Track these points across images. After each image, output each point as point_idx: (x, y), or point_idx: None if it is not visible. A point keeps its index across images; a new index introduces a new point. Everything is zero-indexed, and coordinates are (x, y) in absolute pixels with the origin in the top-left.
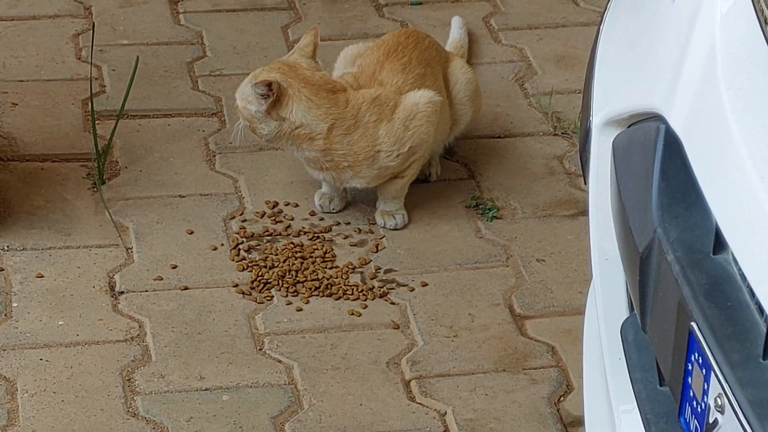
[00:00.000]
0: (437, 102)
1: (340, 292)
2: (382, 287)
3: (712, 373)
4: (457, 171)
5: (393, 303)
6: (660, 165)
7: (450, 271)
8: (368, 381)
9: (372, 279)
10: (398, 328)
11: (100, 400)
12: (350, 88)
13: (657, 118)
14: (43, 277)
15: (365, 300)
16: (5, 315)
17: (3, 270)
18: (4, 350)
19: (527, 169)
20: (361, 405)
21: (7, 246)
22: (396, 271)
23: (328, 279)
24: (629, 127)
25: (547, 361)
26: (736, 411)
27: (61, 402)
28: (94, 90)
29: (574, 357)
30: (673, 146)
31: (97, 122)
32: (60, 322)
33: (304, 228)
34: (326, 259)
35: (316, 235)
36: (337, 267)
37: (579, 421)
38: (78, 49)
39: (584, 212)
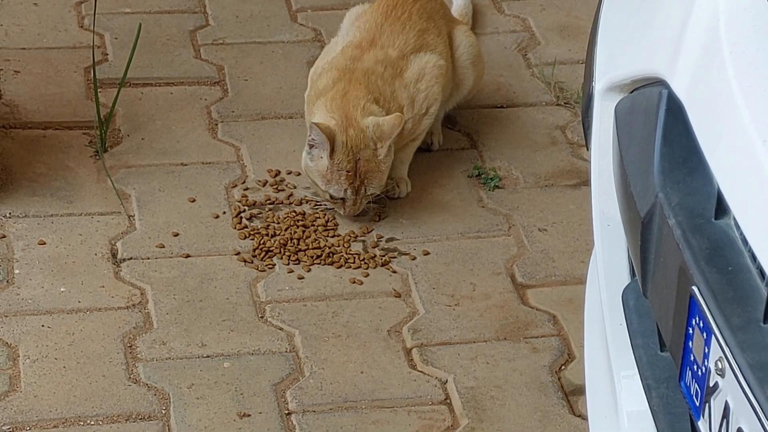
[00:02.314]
0: (442, 65)
1: (342, 260)
2: (383, 256)
3: (713, 336)
4: (459, 140)
5: (394, 272)
6: (662, 130)
7: (452, 240)
8: (369, 349)
9: (374, 247)
10: (400, 296)
11: (101, 366)
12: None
13: (659, 83)
14: (45, 244)
15: (367, 268)
16: (7, 282)
17: (5, 237)
18: (6, 317)
19: (529, 138)
20: (362, 373)
21: (9, 213)
22: (398, 239)
23: (329, 247)
24: (632, 92)
25: (548, 330)
26: (737, 374)
27: (63, 368)
28: (97, 58)
29: (575, 326)
30: (675, 111)
31: (99, 90)
32: (62, 289)
33: (306, 196)
34: (328, 228)
35: (318, 203)
36: (338, 235)
37: (580, 390)
38: (80, 17)
39: (586, 182)
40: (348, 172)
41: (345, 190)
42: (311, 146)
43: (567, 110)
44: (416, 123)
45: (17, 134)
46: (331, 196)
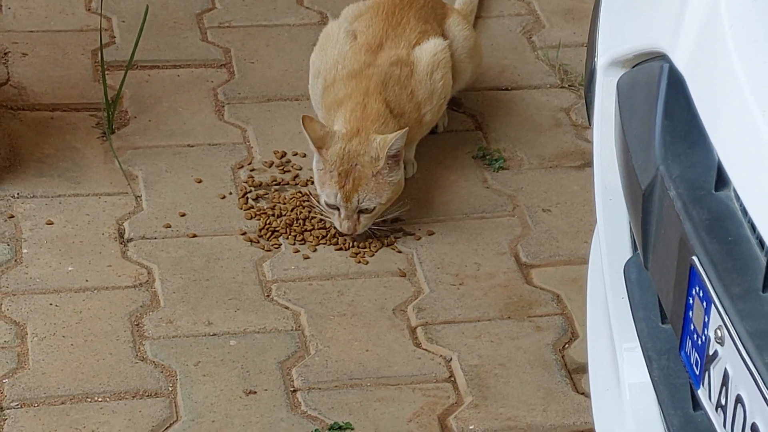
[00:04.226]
0: (447, 46)
1: (348, 240)
2: (388, 236)
3: (713, 305)
4: (464, 122)
5: (399, 251)
6: (663, 103)
7: (456, 220)
8: (374, 327)
9: (379, 227)
10: (404, 275)
11: (109, 344)
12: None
13: (661, 57)
14: (52, 224)
15: (372, 249)
16: (15, 261)
17: (13, 217)
18: (15, 295)
19: (534, 120)
20: (367, 351)
21: (18, 193)
22: (403, 220)
23: (335, 227)
24: (633, 67)
25: (551, 309)
26: (736, 342)
27: (71, 346)
28: (104, 41)
29: (578, 305)
30: (676, 85)
31: (106, 72)
32: (69, 268)
33: (312, 178)
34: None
35: (321, 213)
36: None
37: (583, 368)
38: (88, 1)
39: (590, 163)
40: (340, 174)
41: (336, 195)
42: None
43: (571, 92)
44: (435, 114)
45: (25, 116)
46: (326, 203)
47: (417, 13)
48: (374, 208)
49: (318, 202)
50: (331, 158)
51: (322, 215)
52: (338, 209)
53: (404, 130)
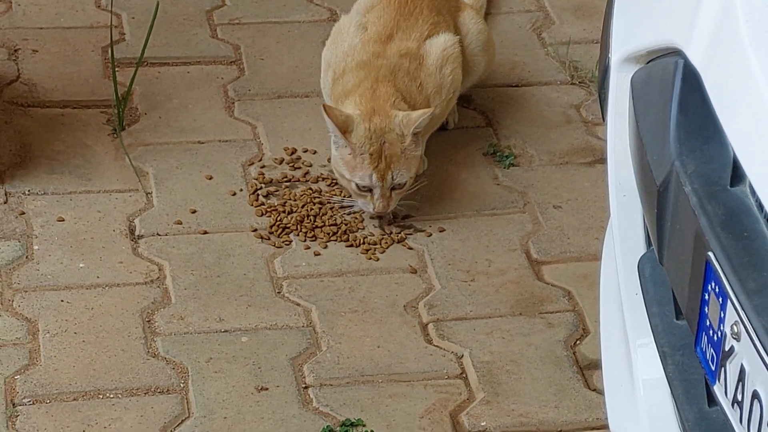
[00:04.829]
0: (457, 41)
1: (360, 237)
2: (399, 233)
3: (729, 301)
4: (474, 119)
5: (410, 248)
6: (678, 99)
7: (467, 217)
8: (386, 324)
9: (390, 224)
10: (416, 272)
11: (120, 340)
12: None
13: (675, 53)
14: (63, 220)
15: (383, 245)
16: (27, 257)
17: (24, 213)
18: (26, 292)
19: (544, 117)
20: (378, 347)
21: (28, 190)
22: (413, 217)
23: (346, 224)
24: (648, 63)
25: (563, 306)
26: (752, 338)
27: (82, 342)
28: (114, 38)
29: (590, 301)
30: (691, 80)
31: (117, 69)
32: (81, 265)
33: (322, 174)
34: (344, 205)
35: (334, 181)
36: (355, 212)
37: (594, 364)
38: None
39: (601, 160)
40: (371, 155)
41: (371, 176)
42: (335, 136)
43: (581, 89)
44: (444, 108)
45: (36, 113)
46: (358, 187)
47: (431, 3)
48: (405, 182)
49: (331, 196)
50: (359, 141)
51: (332, 207)
52: (371, 190)
53: (430, 109)
